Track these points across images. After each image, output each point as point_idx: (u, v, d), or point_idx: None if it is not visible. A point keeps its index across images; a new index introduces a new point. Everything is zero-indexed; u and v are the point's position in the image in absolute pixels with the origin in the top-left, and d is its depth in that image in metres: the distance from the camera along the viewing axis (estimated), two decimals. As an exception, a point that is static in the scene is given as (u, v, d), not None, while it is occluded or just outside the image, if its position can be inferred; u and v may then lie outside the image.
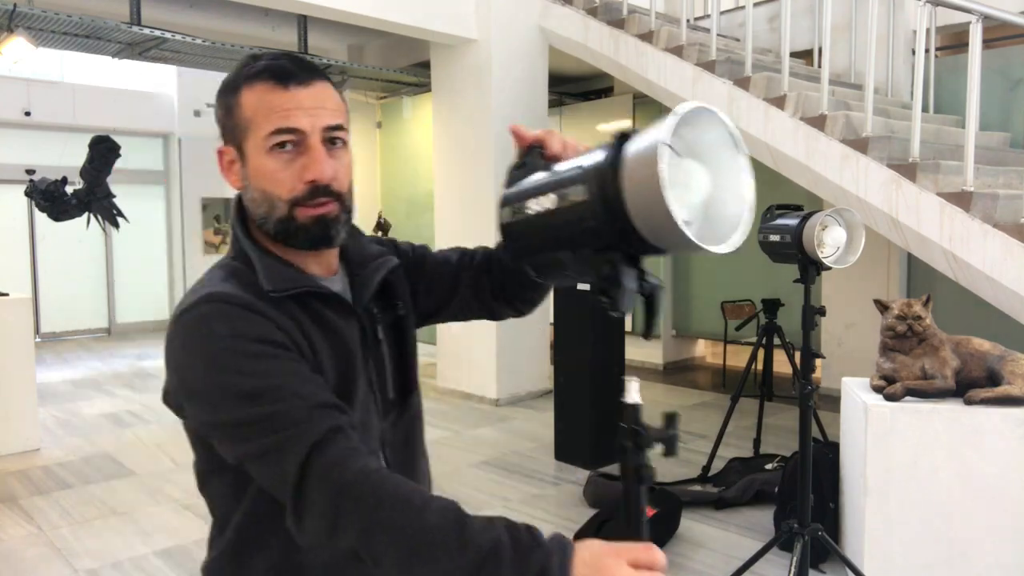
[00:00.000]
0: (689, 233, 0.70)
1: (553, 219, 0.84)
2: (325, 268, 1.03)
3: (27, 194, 5.67)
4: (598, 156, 0.78)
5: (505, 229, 0.90)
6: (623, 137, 0.77)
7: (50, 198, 5.55)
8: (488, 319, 1.22)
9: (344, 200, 0.97)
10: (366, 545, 0.77)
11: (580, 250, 0.84)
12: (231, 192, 1.00)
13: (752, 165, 0.78)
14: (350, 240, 1.06)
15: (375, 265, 1.07)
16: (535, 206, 0.85)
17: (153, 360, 7.47)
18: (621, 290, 0.81)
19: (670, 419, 0.82)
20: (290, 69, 0.94)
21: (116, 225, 5.99)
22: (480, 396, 5.58)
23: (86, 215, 5.77)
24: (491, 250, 1.19)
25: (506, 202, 0.90)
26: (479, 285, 1.17)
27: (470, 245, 1.19)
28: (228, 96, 0.96)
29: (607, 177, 0.75)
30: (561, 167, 0.86)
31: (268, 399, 0.84)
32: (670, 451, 0.81)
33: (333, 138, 0.95)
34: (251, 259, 0.96)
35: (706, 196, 0.77)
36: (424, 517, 0.76)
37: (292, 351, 0.89)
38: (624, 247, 0.79)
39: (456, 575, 0.74)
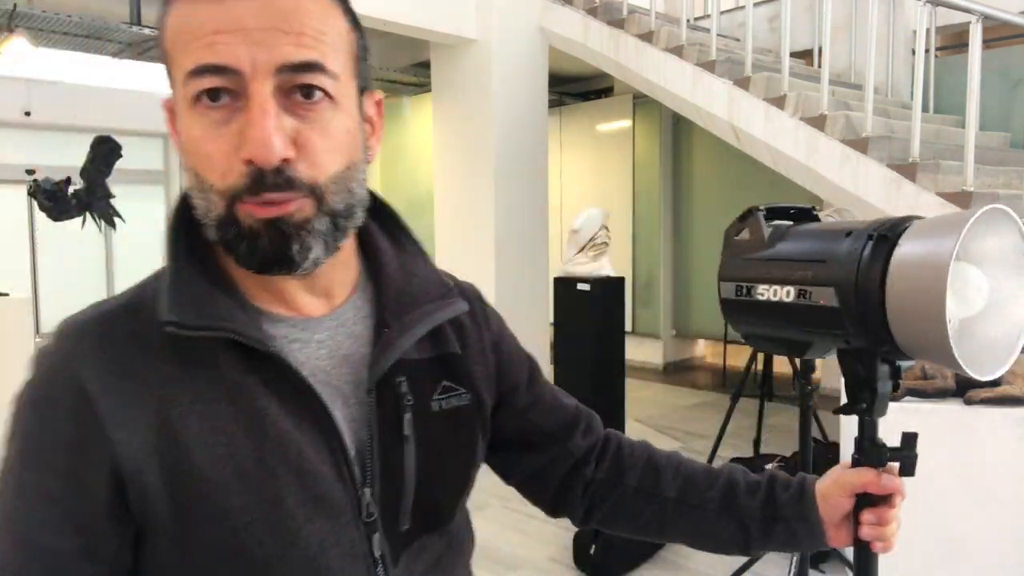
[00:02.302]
0: (964, 366, 0.63)
1: (788, 311, 0.75)
2: (321, 297, 0.66)
3: (31, 194, 5.68)
4: (847, 248, 0.70)
5: (726, 304, 0.83)
6: (881, 237, 0.67)
7: (53, 198, 5.56)
8: (536, 504, 0.85)
9: (323, 195, 0.58)
10: None
11: (823, 340, 0.76)
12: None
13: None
14: (395, 255, 0.71)
15: (425, 310, 0.68)
16: (766, 293, 0.77)
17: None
18: (875, 396, 0.75)
19: (908, 439, 0.76)
20: None
21: (113, 225, 6.00)
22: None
23: (83, 215, 5.78)
24: (634, 445, 0.87)
25: (728, 278, 0.82)
26: (578, 471, 0.83)
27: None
28: (161, 16, 0.60)
29: (867, 289, 0.67)
30: (797, 251, 0.75)
31: None
32: (906, 471, 0.76)
33: (305, 85, 0.56)
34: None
35: (978, 311, 0.66)
36: None
37: (48, 472, 0.57)
38: (877, 351, 0.72)
39: None
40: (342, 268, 0.67)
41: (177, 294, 0.59)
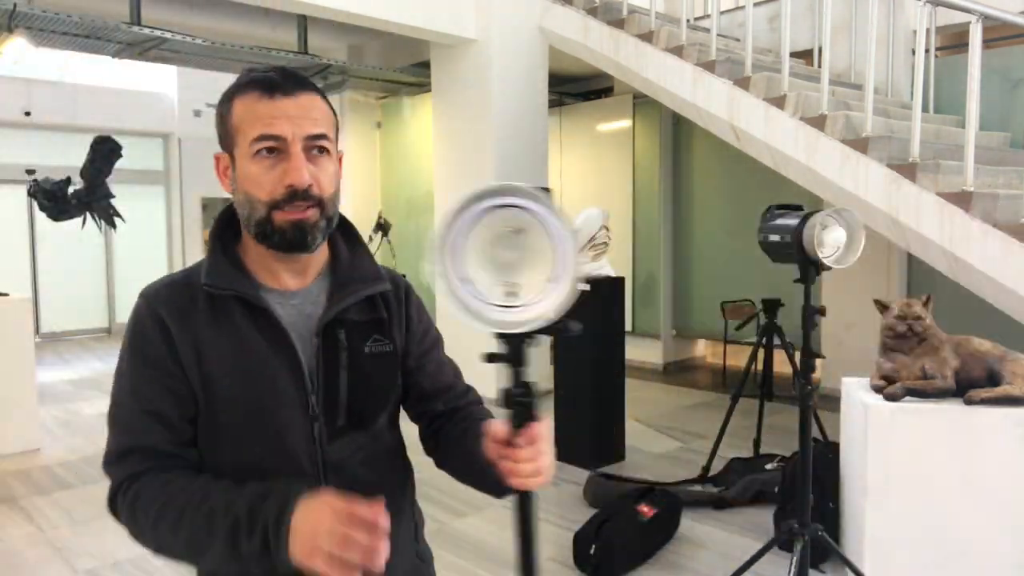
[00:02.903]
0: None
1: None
2: (298, 277, 1.06)
3: (30, 194, 5.68)
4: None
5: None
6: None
7: (52, 198, 5.56)
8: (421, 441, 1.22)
9: (325, 206, 1.00)
10: (158, 550, 0.97)
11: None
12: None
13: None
14: (349, 255, 1.11)
15: (356, 287, 1.07)
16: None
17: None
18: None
19: (522, 388, 0.87)
20: (276, 80, 0.99)
21: (113, 225, 6.00)
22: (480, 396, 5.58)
23: (84, 215, 5.77)
24: (472, 408, 1.20)
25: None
26: (430, 414, 1.19)
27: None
28: (223, 105, 1.01)
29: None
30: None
31: (112, 413, 1.02)
32: (519, 420, 0.89)
33: (317, 147, 0.99)
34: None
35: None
36: (180, 523, 0.92)
37: (152, 367, 0.99)
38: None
39: (220, 556, 0.91)
40: (315, 259, 1.07)
41: (211, 270, 1.01)
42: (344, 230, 1.12)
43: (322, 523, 0.84)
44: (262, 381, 0.99)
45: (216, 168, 1.04)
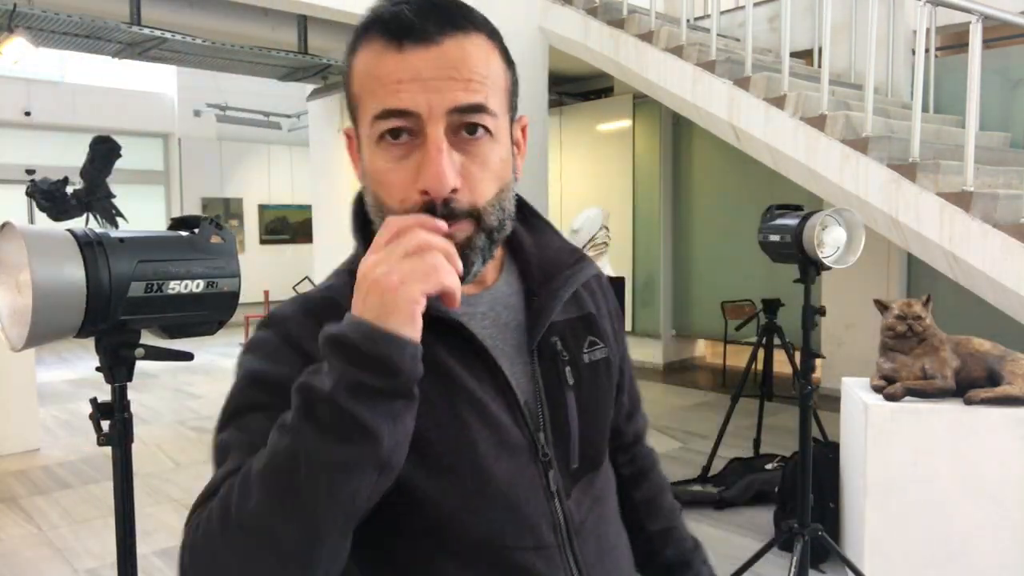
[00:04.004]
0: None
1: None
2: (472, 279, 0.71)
3: (29, 194, 5.68)
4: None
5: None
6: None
7: (51, 198, 5.56)
8: None
9: (482, 217, 0.66)
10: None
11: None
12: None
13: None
14: (533, 238, 0.80)
15: (565, 276, 0.77)
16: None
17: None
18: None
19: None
20: (406, 19, 0.63)
21: (115, 225, 6.01)
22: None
23: (85, 215, 5.77)
24: (646, 469, 0.95)
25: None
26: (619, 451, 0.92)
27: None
28: (346, 60, 0.69)
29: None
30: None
31: (222, 458, 0.66)
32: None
33: (468, 124, 0.64)
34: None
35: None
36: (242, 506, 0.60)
37: (275, 412, 0.60)
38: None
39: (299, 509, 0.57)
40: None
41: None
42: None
43: (375, 264, 0.57)
44: (472, 425, 0.68)
45: (348, 150, 0.73)
